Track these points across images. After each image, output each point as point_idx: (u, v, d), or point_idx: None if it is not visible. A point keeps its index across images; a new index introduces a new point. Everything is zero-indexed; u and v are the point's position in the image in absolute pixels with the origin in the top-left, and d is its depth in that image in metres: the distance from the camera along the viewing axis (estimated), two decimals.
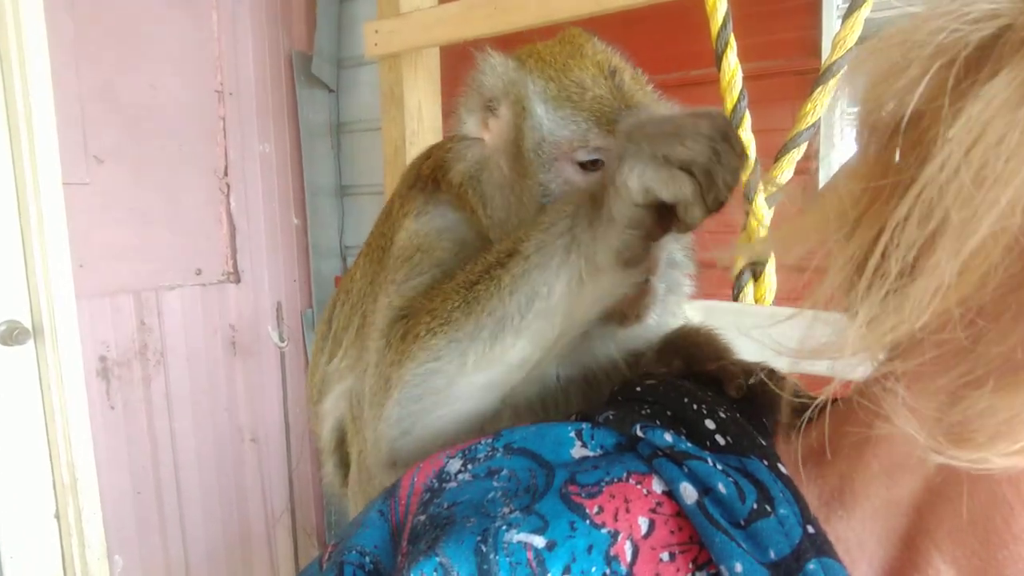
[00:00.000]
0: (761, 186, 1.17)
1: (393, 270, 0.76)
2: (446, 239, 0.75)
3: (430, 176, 0.79)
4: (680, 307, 0.77)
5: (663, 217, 0.56)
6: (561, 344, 0.64)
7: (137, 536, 2.45)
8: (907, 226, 0.34)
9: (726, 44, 1.17)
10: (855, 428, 0.43)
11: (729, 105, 1.17)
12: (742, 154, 0.54)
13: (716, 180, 0.53)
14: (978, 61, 0.33)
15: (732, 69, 1.17)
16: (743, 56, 1.17)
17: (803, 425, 0.48)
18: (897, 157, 0.37)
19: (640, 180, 0.54)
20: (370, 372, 0.73)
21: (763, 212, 1.17)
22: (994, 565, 0.38)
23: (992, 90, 0.32)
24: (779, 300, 1.19)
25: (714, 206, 0.54)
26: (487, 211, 0.74)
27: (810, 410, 0.43)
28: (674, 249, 0.74)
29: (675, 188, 0.53)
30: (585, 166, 0.69)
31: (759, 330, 0.44)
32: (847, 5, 1.08)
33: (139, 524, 2.46)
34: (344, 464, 0.96)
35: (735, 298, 1.19)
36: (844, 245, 0.37)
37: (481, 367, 0.63)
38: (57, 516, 2.07)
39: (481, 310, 0.62)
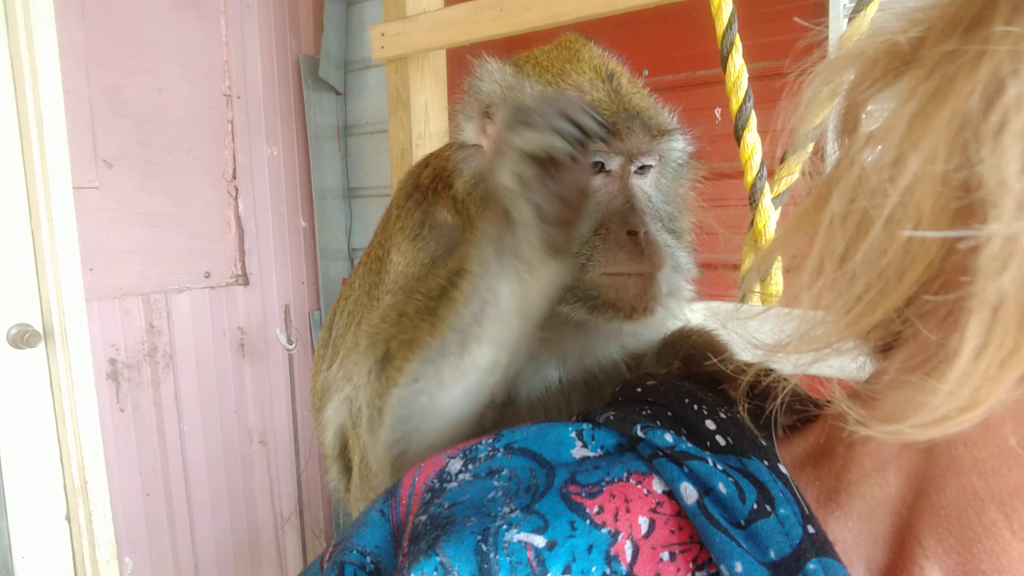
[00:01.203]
0: (767, 187, 1.17)
1: (390, 294, 0.77)
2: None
3: (429, 187, 0.79)
4: (681, 310, 0.77)
5: (565, 202, 0.60)
6: (526, 341, 0.67)
7: (147, 537, 2.46)
8: (832, 225, 0.35)
9: (731, 45, 1.17)
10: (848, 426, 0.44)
11: (735, 106, 1.17)
12: (575, 103, 0.59)
13: (562, 130, 0.57)
14: (900, 64, 0.34)
15: (738, 70, 1.16)
16: (748, 56, 1.16)
17: (803, 425, 0.48)
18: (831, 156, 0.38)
19: (507, 175, 0.58)
20: (362, 398, 0.74)
21: (769, 213, 1.16)
22: (971, 559, 0.37)
23: (895, 90, 0.33)
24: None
25: (582, 148, 0.59)
26: None
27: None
28: (678, 253, 0.75)
29: (531, 159, 0.58)
30: None
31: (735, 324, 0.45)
32: (853, 5, 1.08)
33: (149, 525, 2.47)
34: (347, 470, 0.96)
35: (741, 299, 1.19)
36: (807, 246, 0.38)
37: (457, 379, 0.66)
38: (68, 518, 2.09)
39: (445, 328, 0.65)
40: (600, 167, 0.70)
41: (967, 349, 0.30)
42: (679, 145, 0.75)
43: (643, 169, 0.73)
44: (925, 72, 0.32)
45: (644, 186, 0.73)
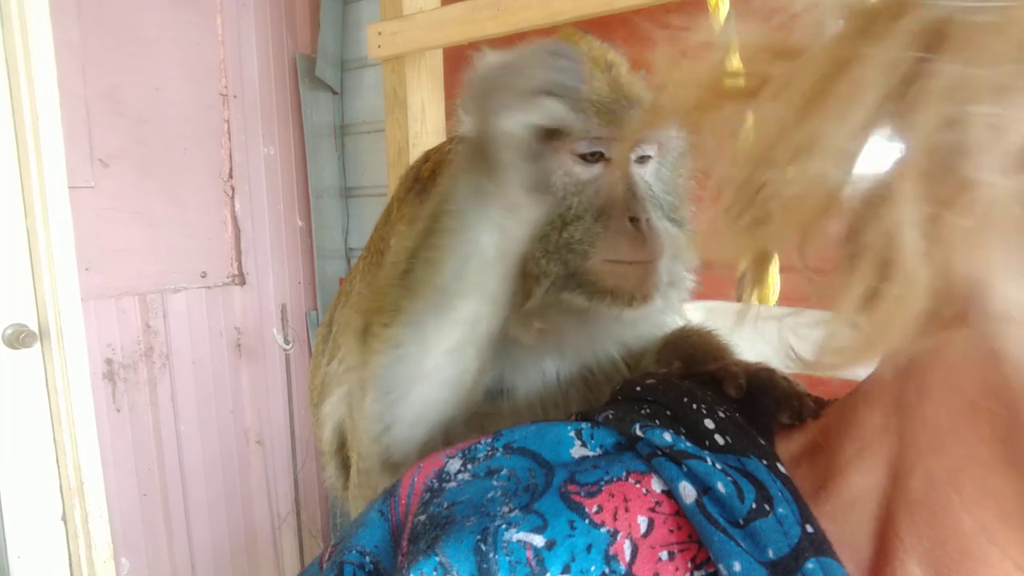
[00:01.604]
0: None
1: (387, 279, 0.77)
2: None
3: (429, 179, 0.79)
4: (681, 303, 0.77)
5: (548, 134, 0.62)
6: (507, 286, 0.67)
7: (143, 538, 2.46)
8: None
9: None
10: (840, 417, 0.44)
11: None
12: (574, 56, 0.61)
13: (569, 88, 0.60)
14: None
15: (736, 69, 1.16)
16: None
17: (802, 422, 0.48)
18: None
19: (516, 121, 0.58)
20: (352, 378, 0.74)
21: None
22: (938, 544, 0.38)
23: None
24: (783, 301, 1.18)
25: (580, 106, 0.62)
26: None
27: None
28: (679, 242, 0.74)
29: (547, 112, 0.60)
30: (585, 157, 0.70)
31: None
32: None
33: (145, 526, 2.47)
34: (345, 467, 0.96)
35: (739, 298, 1.19)
36: None
37: (440, 339, 0.65)
38: (64, 518, 2.08)
39: (425, 288, 0.64)
40: (600, 156, 0.70)
41: (850, 286, 0.33)
42: (678, 134, 0.75)
43: (643, 159, 0.73)
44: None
45: (645, 175, 0.74)
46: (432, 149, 0.86)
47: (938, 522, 0.38)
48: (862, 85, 0.31)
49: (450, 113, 0.81)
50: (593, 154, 0.70)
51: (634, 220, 0.68)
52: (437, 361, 0.66)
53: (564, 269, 0.69)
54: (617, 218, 0.69)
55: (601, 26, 0.79)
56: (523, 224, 0.63)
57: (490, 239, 0.62)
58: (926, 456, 0.38)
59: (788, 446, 0.46)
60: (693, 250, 0.75)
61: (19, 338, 1.94)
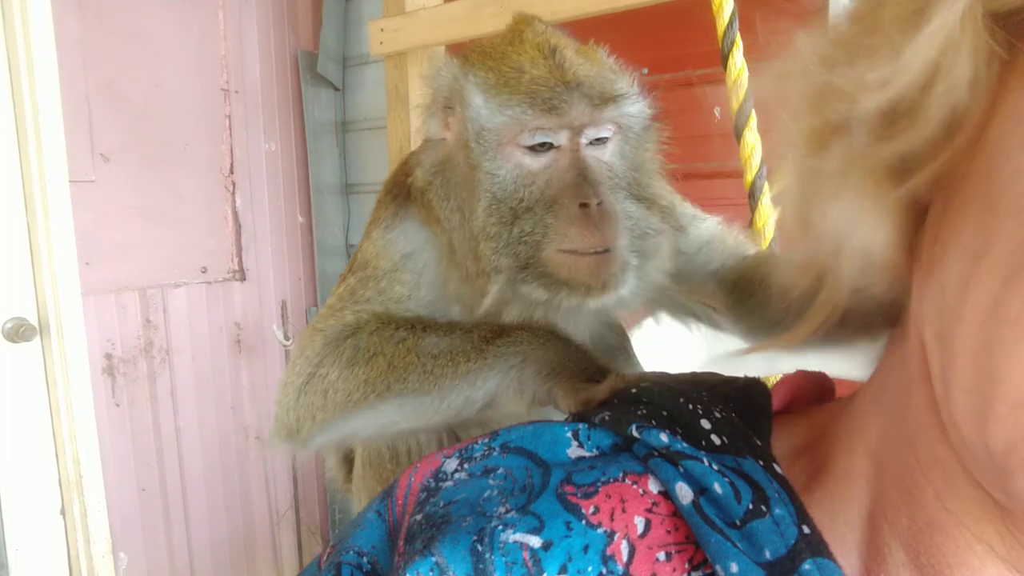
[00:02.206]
0: (767, 186, 1.17)
1: (355, 279, 0.79)
2: (408, 270, 0.78)
3: (403, 182, 0.80)
4: (663, 269, 0.77)
5: None
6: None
7: (142, 533, 2.46)
8: None
9: (732, 43, 1.16)
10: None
11: (735, 104, 1.17)
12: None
13: None
14: None
15: (739, 68, 1.16)
16: (749, 55, 1.16)
17: (805, 414, 0.48)
18: None
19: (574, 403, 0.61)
20: (298, 369, 0.76)
21: (769, 212, 1.16)
22: (912, 520, 0.38)
23: None
24: None
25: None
26: (446, 214, 0.75)
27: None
28: (648, 219, 0.73)
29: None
30: (534, 148, 0.70)
31: None
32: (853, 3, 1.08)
33: (144, 521, 2.47)
34: (348, 460, 0.97)
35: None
36: None
37: (394, 417, 0.71)
38: (62, 512, 2.08)
39: (432, 384, 0.68)
40: (548, 145, 0.70)
41: None
42: (634, 110, 0.73)
43: (599, 142, 0.72)
44: None
45: (603, 157, 0.72)
46: (411, 152, 0.88)
47: (908, 495, 0.38)
48: None
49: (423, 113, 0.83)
50: (542, 144, 0.69)
51: (584, 206, 0.68)
52: (374, 422, 0.74)
53: (516, 262, 0.69)
54: (568, 206, 0.68)
55: (602, 27, 0.78)
56: (504, 405, 0.69)
57: (488, 394, 0.68)
58: (897, 436, 0.39)
59: (789, 441, 0.46)
60: (672, 219, 0.75)
61: (19, 332, 1.94)
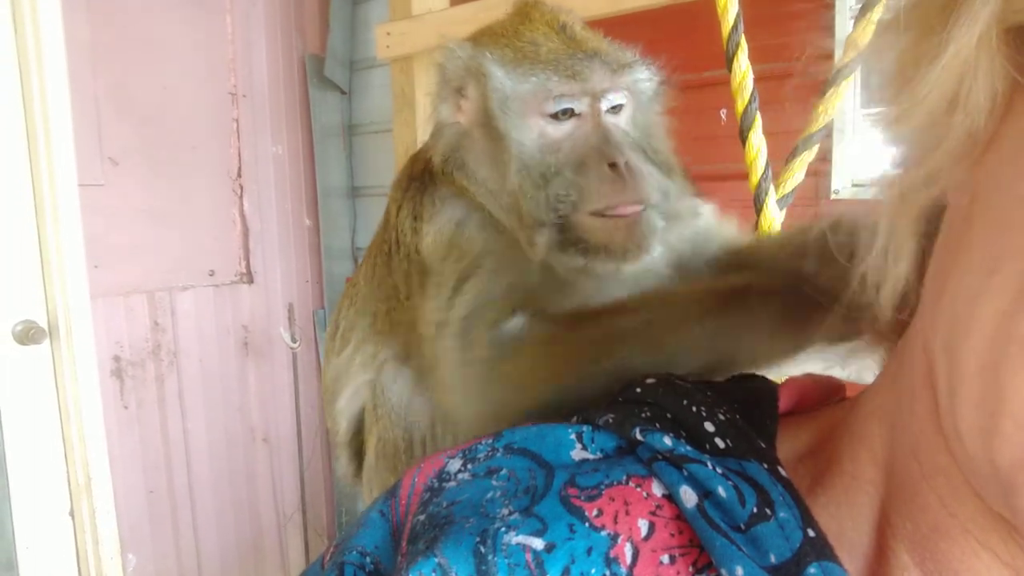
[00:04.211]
0: (772, 188, 1.16)
1: (437, 274, 0.77)
2: (468, 229, 0.77)
3: (423, 173, 0.80)
4: (683, 237, 0.77)
5: None
6: None
7: (150, 534, 2.47)
8: None
9: (737, 46, 1.16)
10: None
11: (740, 107, 1.16)
12: None
13: None
14: None
15: (743, 71, 1.16)
16: (754, 58, 1.16)
17: (812, 416, 0.48)
18: None
19: None
20: (449, 369, 0.72)
21: (774, 214, 1.16)
22: (917, 525, 0.38)
23: None
24: None
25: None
26: (475, 184, 0.76)
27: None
28: (666, 182, 0.74)
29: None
30: (557, 116, 0.71)
31: None
32: (859, 7, 1.08)
33: (152, 523, 2.48)
34: (359, 455, 0.97)
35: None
36: None
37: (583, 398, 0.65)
38: (71, 514, 2.09)
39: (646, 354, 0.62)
40: (570, 112, 0.72)
41: None
42: (644, 75, 0.76)
43: (615, 109, 0.74)
44: None
45: (620, 123, 0.75)
46: (420, 149, 0.88)
47: (913, 502, 0.38)
48: None
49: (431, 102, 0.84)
50: (564, 111, 0.71)
51: (613, 165, 0.69)
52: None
53: (555, 218, 0.70)
54: (595, 167, 0.70)
55: (605, 29, 0.79)
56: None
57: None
58: (900, 433, 0.39)
59: (794, 444, 0.46)
60: (686, 184, 0.76)
61: (28, 334, 1.95)
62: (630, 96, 0.75)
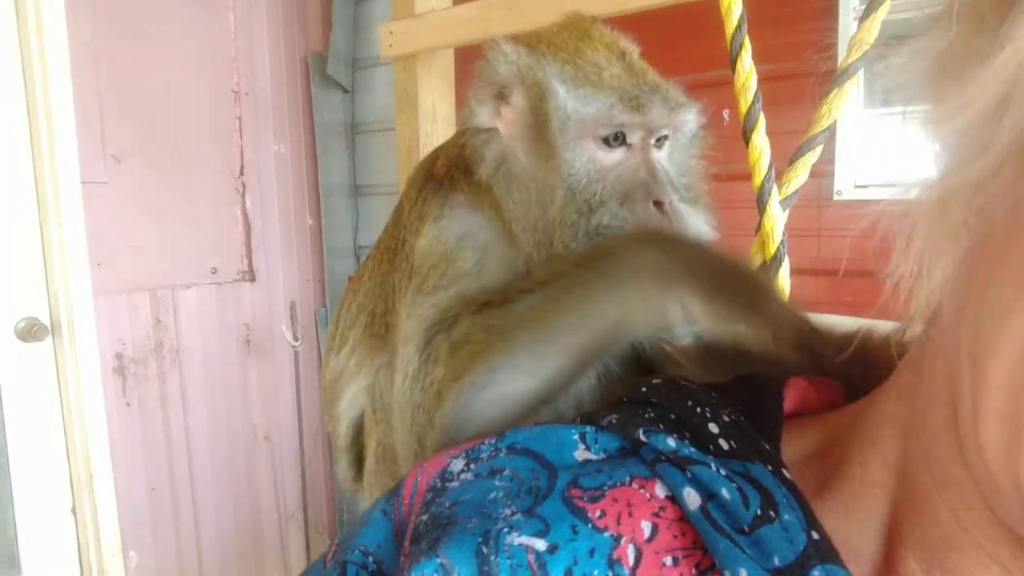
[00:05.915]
0: (775, 189, 1.16)
1: (419, 277, 0.76)
2: (467, 247, 0.76)
3: (445, 175, 0.79)
4: (708, 213, 0.77)
5: None
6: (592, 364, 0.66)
7: (151, 532, 2.48)
8: None
9: (741, 46, 1.16)
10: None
11: (744, 107, 1.16)
12: None
13: None
14: None
15: (747, 71, 1.16)
16: (758, 58, 1.16)
17: (820, 416, 0.48)
18: None
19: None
20: (406, 382, 0.72)
21: (777, 215, 1.16)
22: (927, 535, 0.37)
23: None
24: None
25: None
26: (511, 204, 0.74)
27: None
28: (696, 220, 0.74)
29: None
30: (608, 141, 0.71)
31: None
32: (864, 7, 1.07)
33: (153, 520, 2.48)
34: (359, 459, 0.97)
35: None
36: None
37: (529, 380, 0.64)
38: (73, 511, 2.10)
39: (539, 329, 0.63)
40: (622, 139, 0.71)
41: None
42: (692, 117, 0.77)
43: (660, 141, 0.74)
44: None
45: (661, 159, 0.75)
46: (441, 147, 0.86)
47: (923, 511, 0.38)
48: None
49: (462, 103, 0.81)
50: (616, 137, 0.71)
51: (658, 204, 0.70)
52: (521, 397, 0.65)
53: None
54: (642, 203, 0.70)
55: (615, 27, 0.79)
56: (649, 329, 0.63)
57: (615, 315, 0.61)
58: (912, 442, 0.39)
59: (799, 446, 0.46)
60: (712, 222, 0.76)
61: (31, 332, 1.96)
62: (672, 133, 0.75)
